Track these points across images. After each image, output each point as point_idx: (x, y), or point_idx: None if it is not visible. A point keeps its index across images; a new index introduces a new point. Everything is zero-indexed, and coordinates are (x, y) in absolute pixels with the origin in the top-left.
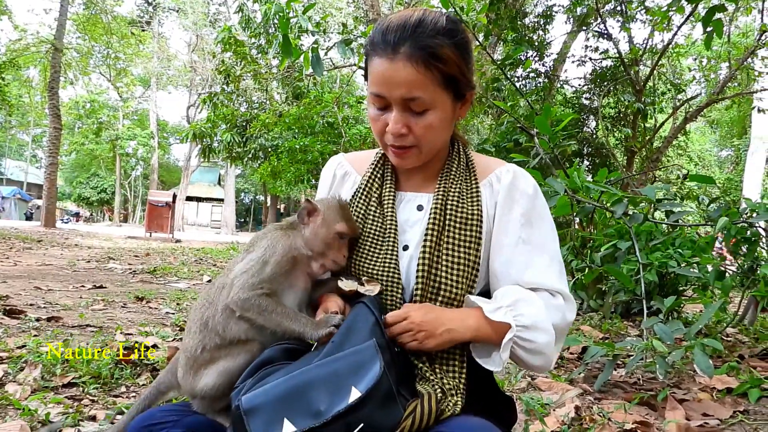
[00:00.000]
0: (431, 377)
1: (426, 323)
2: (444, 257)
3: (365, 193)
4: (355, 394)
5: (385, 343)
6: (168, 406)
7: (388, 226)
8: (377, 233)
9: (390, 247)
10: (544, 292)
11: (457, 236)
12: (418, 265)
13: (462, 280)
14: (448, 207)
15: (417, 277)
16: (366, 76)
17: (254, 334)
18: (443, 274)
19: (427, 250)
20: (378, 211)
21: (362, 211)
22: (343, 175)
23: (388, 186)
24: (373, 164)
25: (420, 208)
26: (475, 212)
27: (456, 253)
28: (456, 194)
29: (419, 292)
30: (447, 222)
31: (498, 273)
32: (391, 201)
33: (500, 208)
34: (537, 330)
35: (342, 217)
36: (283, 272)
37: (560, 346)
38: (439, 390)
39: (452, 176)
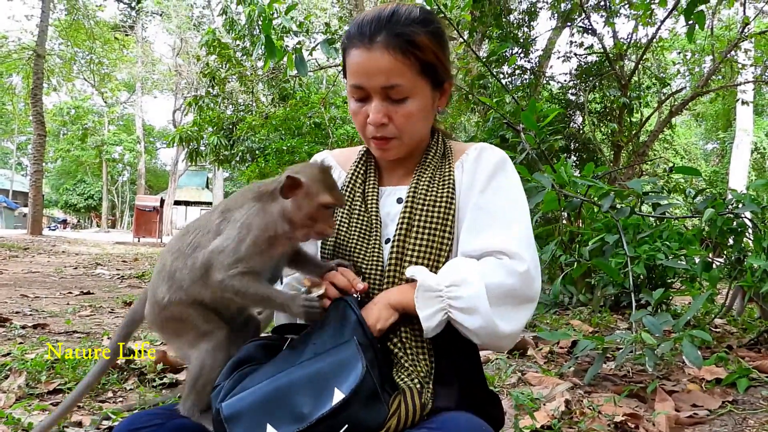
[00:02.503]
0: (407, 364)
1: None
2: (411, 242)
3: (349, 189)
4: (338, 396)
5: (368, 341)
6: (153, 410)
7: (374, 222)
8: (363, 229)
9: (375, 242)
10: (489, 258)
11: (424, 219)
12: (390, 254)
13: (426, 263)
14: (419, 193)
15: (388, 266)
16: (344, 72)
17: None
18: (408, 258)
19: (398, 237)
20: (362, 207)
21: (347, 208)
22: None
23: (371, 182)
24: (356, 161)
25: (399, 200)
26: (445, 194)
27: (423, 236)
28: (427, 181)
29: (389, 278)
30: (415, 209)
31: (460, 242)
32: (374, 196)
33: (466, 183)
34: (462, 286)
35: (326, 188)
36: (259, 251)
37: (518, 315)
38: (417, 382)
39: (426, 165)
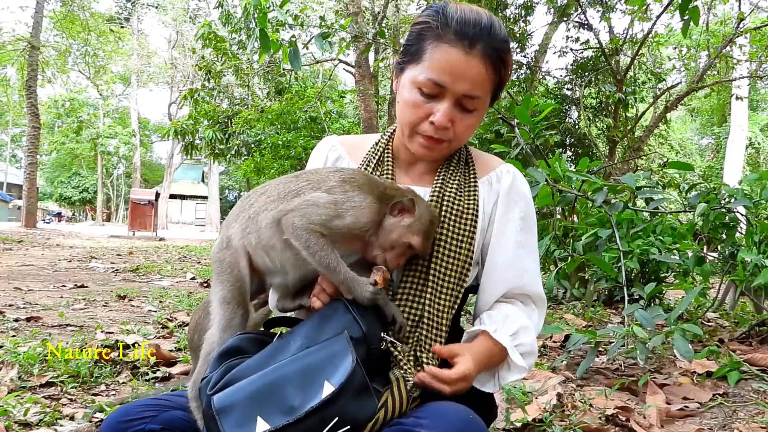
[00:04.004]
0: (405, 365)
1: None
2: (436, 250)
3: None
4: (328, 389)
5: (363, 336)
6: (145, 401)
7: None
8: None
9: None
10: (531, 305)
11: (451, 230)
12: (412, 256)
13: (452, 274)
14: (445, 201)
15: (405, 269)
16: (411, 56)
17: (283, 261)
18: (434, 266)
19: None
20: None
21: None
22: (336, 159)
23: (387, 179)
24: (370, 153)
25: None
26: (471, 207)
27: (449, 246)
28: (454, 189)
29: (406, 284)
30: (443, 215)
31: (495, 273)
32: None
33: (500, 209)
34: (530, 356)
35: (422, 233)
36: (344, 236)
37: None
38: (411, 377)
39: (451, 171)
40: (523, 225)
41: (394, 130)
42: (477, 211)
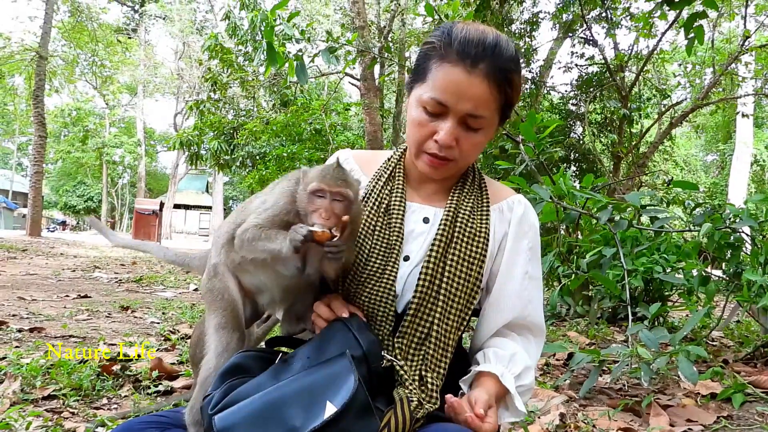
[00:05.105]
0: (410, 386)
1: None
2: (447, 270)
3: (374, 200)
4: (330, 409)
5: (363, 355)
6: (147, 417)
7: (395, 238)
8: (381, 242)
9: (393, 259)
10: (530, 337)
11: (463, 251)
12: (420, 275)
13: (462, 295)
14: (458, 222)
15: (417, 287)
16: (418, 76)
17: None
18: (445, 286)
19: (432, 261)
20: (385, 220)
21: (371, 219)
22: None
23: (397, 195)
24: (381, 168)
25: (426, 220)
26: (483, 230)
27: (460, 267)
28: (468, 210)
29: (416, 301)
30: (455, 236)
31: (503, 301)
32: (401, 212)
33: (511, 238)
34: (527, 394)
35: (316, 177)
36: (276, 226)
37: None
38: (415, 398)
39: (465, 192)
40: (531, 256)
41: (406, 148)
42: (488, 234)
